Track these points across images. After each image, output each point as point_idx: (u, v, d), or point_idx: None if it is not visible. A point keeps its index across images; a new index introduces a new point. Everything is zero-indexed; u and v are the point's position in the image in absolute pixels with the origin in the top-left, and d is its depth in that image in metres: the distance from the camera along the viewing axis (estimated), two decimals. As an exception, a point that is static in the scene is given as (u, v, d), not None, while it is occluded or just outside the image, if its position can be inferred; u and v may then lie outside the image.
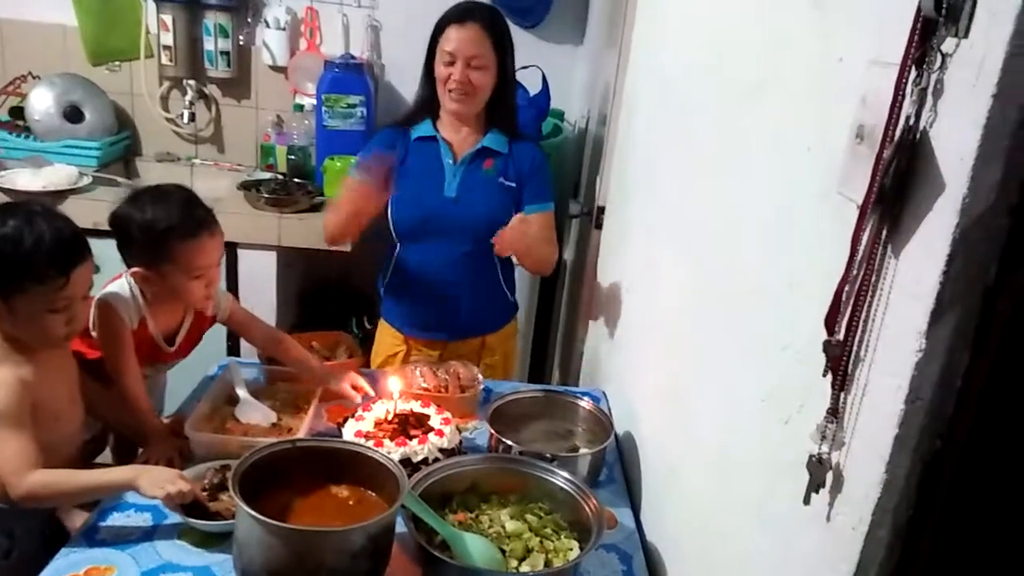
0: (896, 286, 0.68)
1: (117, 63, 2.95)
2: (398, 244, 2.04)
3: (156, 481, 1.26)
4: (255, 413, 1.57)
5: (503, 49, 1.93)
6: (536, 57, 2.74)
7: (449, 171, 1.97)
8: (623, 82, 2.17)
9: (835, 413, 0.73)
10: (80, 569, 1.19)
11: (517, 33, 2.89)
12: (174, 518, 1.29)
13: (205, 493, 1.33)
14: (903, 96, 0.67)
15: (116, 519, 1.31)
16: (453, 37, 1.87)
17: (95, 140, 2.78)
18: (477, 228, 1.92)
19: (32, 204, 1.35)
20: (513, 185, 1.99)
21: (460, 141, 1.99)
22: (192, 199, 1.55)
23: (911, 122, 0.66)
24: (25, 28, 2.89)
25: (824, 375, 0.74)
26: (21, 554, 1.40)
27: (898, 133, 0.67)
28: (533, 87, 2.69)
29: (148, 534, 1.29)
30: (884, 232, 0.69)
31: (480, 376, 1.80)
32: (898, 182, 0.67)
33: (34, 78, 2.84)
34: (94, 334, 1.55)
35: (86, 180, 2.58)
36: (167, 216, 1.48)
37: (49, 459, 1.40)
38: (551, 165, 2.74)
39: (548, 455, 1.43)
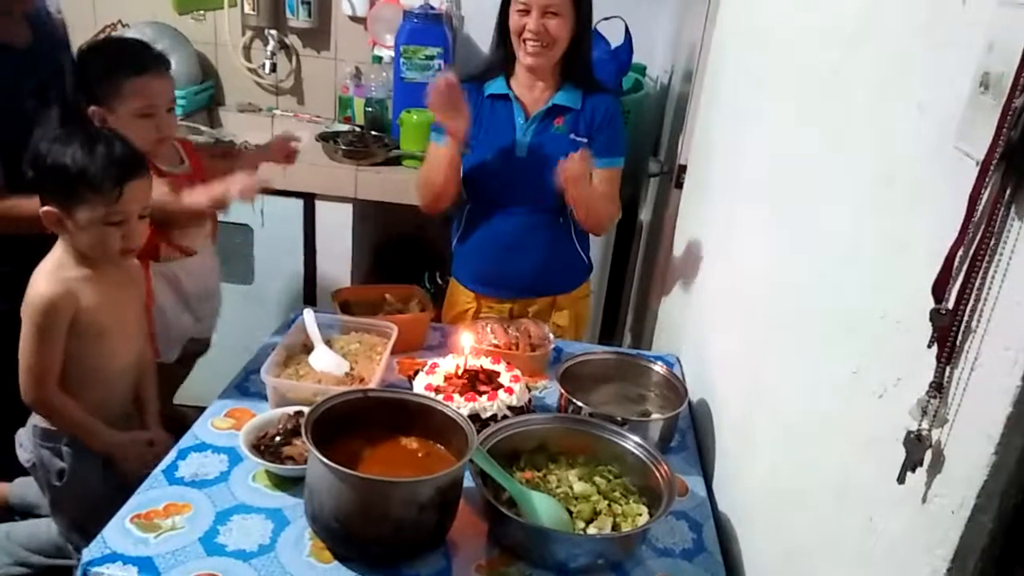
0: (1018, 251, 0.61)
1: (202, 12, 2.98)
2: (469, 202, 2.01)
3: None
4: (329, 362, 1.58)
5: None
6: (619, 8, 2.64)
7: (520, 130, 1.93)
8: (711, 36, 2.07)
9: (939, 388, 0.68)
10: (159, 505, 1.23)
11: (600, -17, 2.82)
12: (249, 461, 1.32)
13: (279, 438, 1.36)
14: (1039, 40, 0.60)
15: (194, 459, 1.35)
16: None
17: (180, 89, 2.81)
18: (548, 187, 1.87)
19: (97, 128, 1.45)
20: (584, 140, 1.93)
21: (533, 99, 1.94)
22: (143, 45, 1.76)
23: (1046, 69, 0.60)
24: (116, -22, 2.95)
25: (929, 347, 0.69)
26: (76, 477, 1.47)
27: (1031, 81, 0.60)
28: (615, 39, 2.60)
29: (224, 475, 1.32)
30: (1008, 191, 0.62)
31: (551, 335, 1.78)
32: (1029, 136, 0.61)
33: (123, 26, 2.91)
34: None
35: (171, 129, 2.63)
36: (119, 56, 1.70)
37: (99, 383, 1.50)
38: (630, 122, 2.68)
39: (619, 418, 1.40)
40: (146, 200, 1.46)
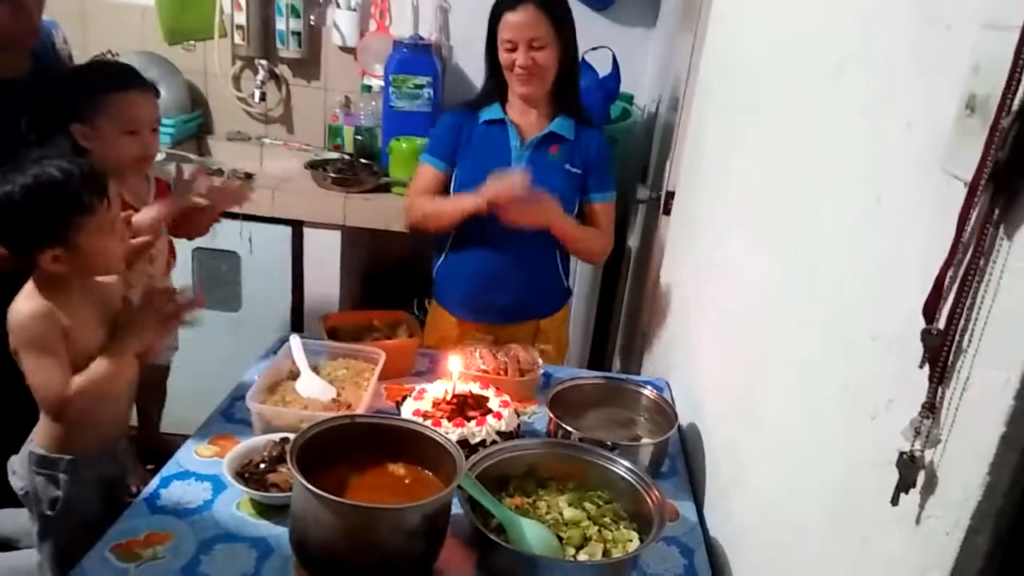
0: (1008, 270, 0.61)
1: (192, 42, 3.00)
2: (459, 225, 2.01)
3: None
4: (315, 388, 1.57)
5: (563, 26, 1.89)
6: (607, 39, 2.68)
7: (515, 154, 1.95)
8: (698, 64, 2.09)
9: (932, 408, 0.67)
10: (139, 534, 1.20)
11: (588, 15, 2.86)
12: (233, 489, 1.30)
13: (264, 465, 1.33)
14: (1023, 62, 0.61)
15: (177, 487, 1.33)
16: (510, 23, 1.85)
17: (169, 118, 2.83)
18: None
19: (35, 153, 1.38)
20: (579, 172, 1.97)
21: (528, 125, 1.97)
22: (126, 66, 1.80)
23: (1031, 90, 0.60)
24: (106, 7, 2.96)
25: (921, 367, 0.68)
26: (71, 505, 1.43)
27: (1017, 103, 0.61)
28: (603, 69, 2.63)
29: (207, 503, 1.29)
30: (996, 211, 0.62)
31: (540, 360, 1.77)
32: (1015, 156, 0.61)
33: (113, 56, 2.91)
34: None
35: (160, 157, 2.61)
36: (103, 74, 1.74)
37: (107, 406, 1.46)
38: (618, 149, 2.70)
39: (609, 443, 1.39)
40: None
